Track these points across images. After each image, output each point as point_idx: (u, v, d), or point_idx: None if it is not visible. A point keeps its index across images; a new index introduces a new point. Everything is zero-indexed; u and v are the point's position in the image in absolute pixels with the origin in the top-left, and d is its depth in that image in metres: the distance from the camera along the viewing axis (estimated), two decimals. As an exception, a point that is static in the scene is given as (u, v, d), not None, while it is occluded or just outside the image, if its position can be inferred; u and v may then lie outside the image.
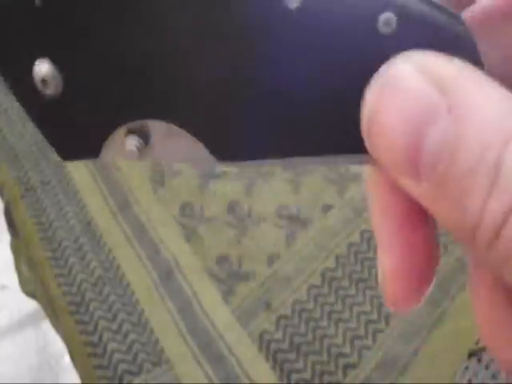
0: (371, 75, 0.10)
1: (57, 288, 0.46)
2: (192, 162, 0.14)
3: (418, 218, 0.12)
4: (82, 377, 0.44)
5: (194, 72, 0.13)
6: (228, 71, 0.13)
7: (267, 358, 0.42)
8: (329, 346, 0.43)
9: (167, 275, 0.47)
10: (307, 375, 0.41)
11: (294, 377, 0.41)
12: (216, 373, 0.41)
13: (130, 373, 0.41)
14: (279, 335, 0.43)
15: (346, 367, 0.42)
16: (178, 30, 0.13)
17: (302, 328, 0.44)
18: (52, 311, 0.49)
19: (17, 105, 0.61)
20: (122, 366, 0.41)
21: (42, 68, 0.14)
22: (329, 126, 0.12)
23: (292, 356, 0.42)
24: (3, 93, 0.63)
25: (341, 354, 0.42)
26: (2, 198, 0.56)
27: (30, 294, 0.63)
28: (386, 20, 0.11)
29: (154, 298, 0.45)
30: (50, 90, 0.14)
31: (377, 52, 0.11)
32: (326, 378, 0.41)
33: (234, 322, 0.44)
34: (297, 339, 0.43)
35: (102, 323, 0.43)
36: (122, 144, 0.14)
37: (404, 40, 0.11)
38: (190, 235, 0.50)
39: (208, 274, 0.47)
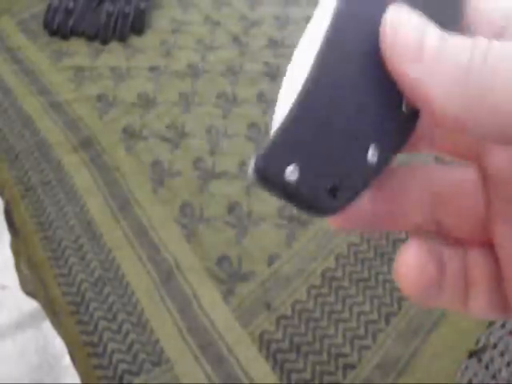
0: None
1: (57, 288, 0.46)
2: None
3: None
4: (81, 377, 0.44)
5: None
6: None
7: (267, 358, 0.42)
8: (329, 346, 0.43)
9: (167, 275, 0.47)
10: (307, 375, 0.41)
11: (294, 377, 0.41)
12: (216, 373, 0.41)
13: (130, 373, 0.41)
14: (279, 335, 0.43)
15: (346, 367, 0.42)
16: None
17: (302, 328, 0.44)
18: (52, 311, 0.49)
19: (17, 105, 0.61)
20: (121, 366, 0.41)
21: None
22: None
23: (292, 356, 0.42)
24: (3, 93, 0.63)
25: (341, 354, 0.42)
26: (2, 198, 0.56)
27: (30, 294, 0.63)
28: None
29: (154, 298, 0.45)
30: None
31: None
32: (326, 378, 0.41)
33: (234, 322, 0.44)
34: (297, 339, 0.43)
35: (102, 323, 0.43)
36: None
37: None
38: (190, 235, 0.50)
39: (208, 274, 0.47)
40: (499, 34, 0.15)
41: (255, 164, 0.13)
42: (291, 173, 0.13)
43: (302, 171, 0.13)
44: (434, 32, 0.14)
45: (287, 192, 0.13)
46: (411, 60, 0.14)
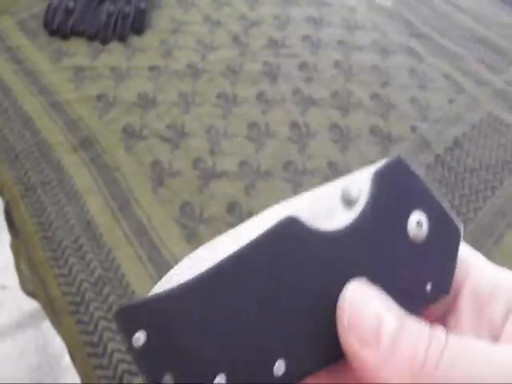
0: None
1: (57, 288, 0.46)
2: None
3: None
4: (81, 377, 0.44)
5: None
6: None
7: (267, 358, 0.42)
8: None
9: (167, 275, 0.47)
10: (307, 375, 0.41)
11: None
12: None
13: (130, 373, 0.41)
14: (279, 335, 0.43)
15: (346, 367, 0.42)
16: None
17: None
18: (52, 311, 0.49)
19: (17, 105, 0.61)
20: (121, 366, 0.41)
21: None
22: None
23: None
24: (3, 93, 0.63)
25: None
26: (2, 198, 0.56)
27: (30, 294, 0.63)
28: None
29: (154, 298, 0.45)
30: None
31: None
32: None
33: (234, 322, 0.44)
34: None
35: (102, 323, 0.43)
36: None
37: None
38: (190, 235, 0.50)
39: (208, 274, 0.47)
40: (480, 309, 0.16)
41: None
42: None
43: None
44: (391, 319, 0.14)
45: None
46: (367, 345, 0.14)
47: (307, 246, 0.15)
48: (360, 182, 0.15)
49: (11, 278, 0.69)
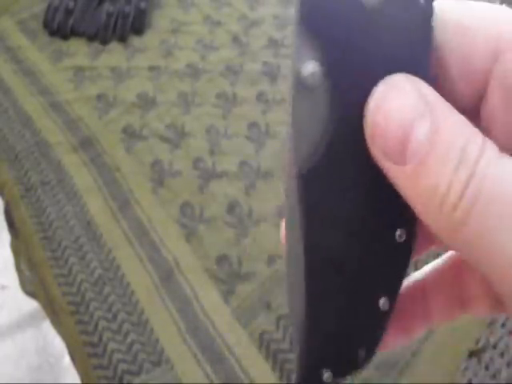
0: None
1: (57, 288, 0.46)
2: None
3: None
4: (82, 377, 0.44)
5: None
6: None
7: (267, 358, 0.42)
8: (329, 346, 0.43)
9: (167, 275, 0.47)
10: (307, 375, 0.41)
11: (294, 377, 0.41)
12: (216, 373, 0.41)
13: (130, 373, 0.41)
14: (279, 335, 0.43)
15: (346, 367, 0.42)
16: None
17: (302, 328, 0.44)
18: (52, 311, 0.49)
19: (17, 105, 0.61)
20: (121, 366, 0.41)
21: None
22: None
23: (292, 356, 0.42)
24: (3, 93, 0.63)
25: (341, 354, 0.42)
26: (2, 198, 0.56)
27: (30, 293, 0.63)
28: None
29: (154, 298, 0.45)
30: None
31: None
32: (326, 378, 0.41)
33: (234, 322, 0.44)
34: (297, 339, 0.43)
35: (102, 323, 0.43)
36: None
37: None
38: (190, 235, 0.50)
39: (208, 274, 0.47)
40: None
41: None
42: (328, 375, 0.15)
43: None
44: (423, 127, 0.11)
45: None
46: (394, 161, 0.12)
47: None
48: None
49: (11, 278, 0.69)
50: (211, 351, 0.42)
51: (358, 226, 0.13)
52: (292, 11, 0.77)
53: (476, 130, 0.11)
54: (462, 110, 0.12)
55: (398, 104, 0.12)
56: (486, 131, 0.13)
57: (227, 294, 0.46)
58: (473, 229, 0.11)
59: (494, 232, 0.11)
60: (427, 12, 0.13)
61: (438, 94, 0.12)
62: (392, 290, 0.14)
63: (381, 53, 0.12)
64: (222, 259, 0.48)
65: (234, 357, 0.42)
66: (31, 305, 0.78)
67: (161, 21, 0.74)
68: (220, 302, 0.45)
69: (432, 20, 0.13)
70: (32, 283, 0.57)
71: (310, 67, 0.12)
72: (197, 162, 0.56)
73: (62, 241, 0.49)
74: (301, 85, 0.12)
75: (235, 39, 0.71)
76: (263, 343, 0.43)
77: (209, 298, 0.45)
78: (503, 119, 0.13)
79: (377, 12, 0.12)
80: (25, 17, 0.73)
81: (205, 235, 0.50)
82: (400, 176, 0.12)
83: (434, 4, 0.13)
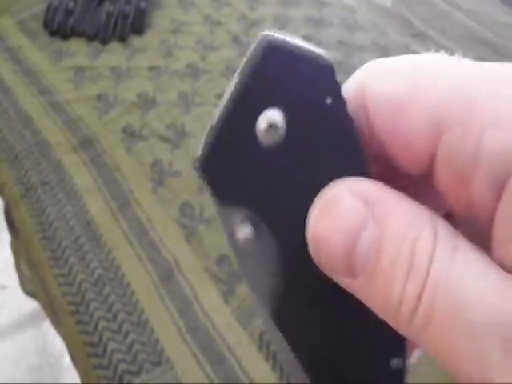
0: None
1: (57, 288, 0.46)
2: None
3: None
4: (82, 377, 0.44)
5: None
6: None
7: (267, 358, 0.42)
8: (329, 346, 0.43)
9: (167, 275, 0.47)
10: (307, 375, 0.41)
11: (294, 377, 0.41)
12: (216, 373, 0.41)
13: (130, 373, 0.41)
14: (279, 335, 0.43)
15: (346, 367, 0.42)
16: None
17: (302, 328, 0.44)
18: (52, 311, 0.49)
19: (17, 105, 0.61)
20: (121, 366, 0.41)
21: None
22: None
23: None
24: (3, 93, 0.63)
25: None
26: (2, 198, 0.56)
27: (30, 293, 0.63)
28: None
29: (154, 298, 0.45)
30: None
31: None
32: (326, 378, 0.41)
33: (234, 322, 0.44)
34: (297, 339, 0.43)
35: (102, 323, 0.43)
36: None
37: None
38: (190, 235, 0.50)
39: (208, 274, 0.47)
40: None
41: None
42: None
43: None
44: (366, 236, 0.11)
45: None
46: (344, 276, 0.11)
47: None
48: None
49: (11, 278, 0.69)
50: (211, 351, 0.42)
51: (340, 345, 0.14)
52: (292, 11, 0.77)
53: (425, 221, 0.11)
54: (411, 179, 0.12)
55: (335, 218, 0.11)
56: (440, 194, 0.12)
57: (227, 294, 0.46)
58: (432, 336, 0.10)
59: (455, 344, 0.10)
60: (338, 109, 0.12)
61: (379, 184, 0.11)
62: (400, 350, 0.14)
63: (304, 180, 0.12)
64: (222, 259, 0.48)
65: (233, 357, 0.42)
66: (31, 305, 0.78)
67: (161, 21, 0.74)
68: (220, 302, 0.45)
69: (346, 114, 0.12)
70: (32, 283, 0.57)
71: (242, 232, 0.13)
72: (197, 162, 0.56)
73: (62, 241, 0.49)
74: (238, 250, 0.13)
75: (235, 39, 0.71)
76: (263, 343, 0.43)
77: (209, 298, 0.45)
78: (455, 195, 0.12)
79: (278, 146, 0.12)
80: (25, 17, 0.73)
81: (205, 235, 0.50)
82: (354, 287, 0.11)
83: (344, 90, 0.12)
